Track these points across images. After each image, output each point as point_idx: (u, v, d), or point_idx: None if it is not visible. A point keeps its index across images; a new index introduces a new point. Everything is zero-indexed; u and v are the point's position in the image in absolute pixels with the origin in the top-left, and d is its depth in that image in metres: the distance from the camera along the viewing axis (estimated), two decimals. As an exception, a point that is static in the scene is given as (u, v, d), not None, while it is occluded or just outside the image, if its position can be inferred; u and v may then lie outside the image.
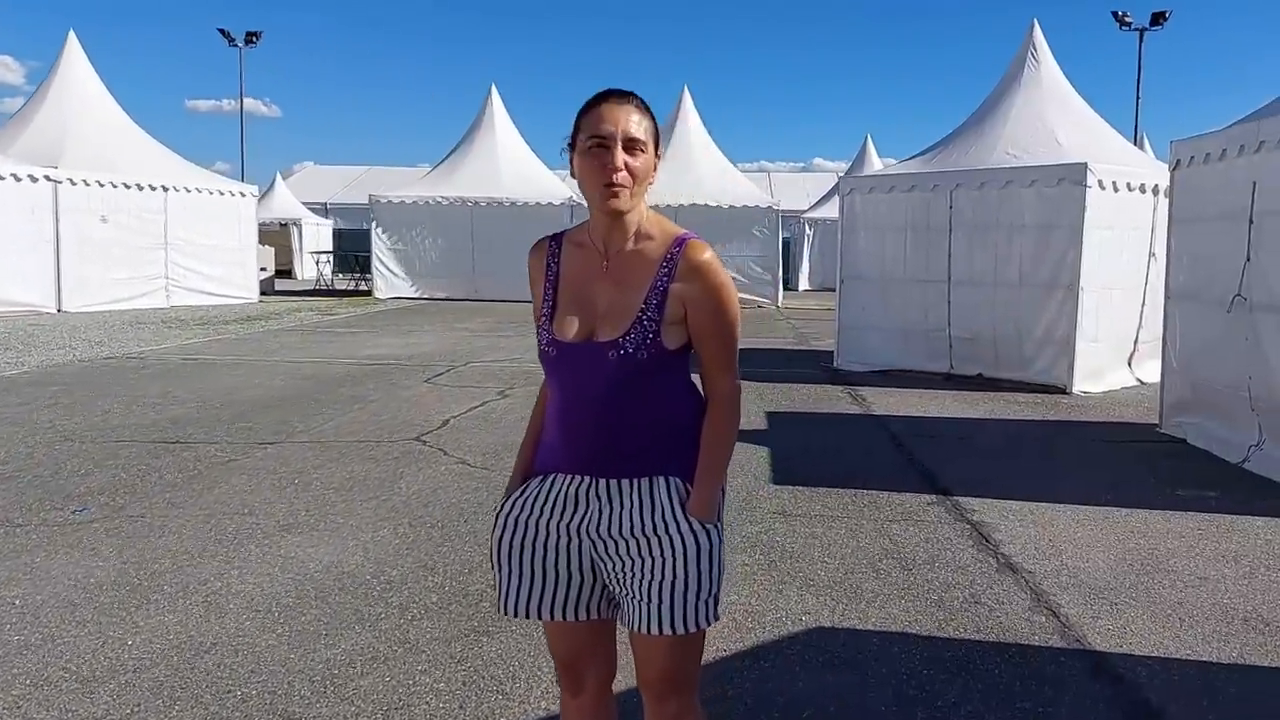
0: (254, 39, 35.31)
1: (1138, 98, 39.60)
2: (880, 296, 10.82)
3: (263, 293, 21.72)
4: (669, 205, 21.90)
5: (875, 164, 29.81)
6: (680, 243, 1.98)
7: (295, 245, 34.30)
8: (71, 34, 19.91)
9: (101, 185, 17.98)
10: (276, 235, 32.60)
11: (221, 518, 4.85)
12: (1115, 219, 9.40)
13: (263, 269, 22.83)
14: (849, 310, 11.17)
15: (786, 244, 30.44)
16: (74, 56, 19.87)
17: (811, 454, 6.65)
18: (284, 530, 4.66)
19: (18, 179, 16.64)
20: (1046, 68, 11.06)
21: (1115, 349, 9.74)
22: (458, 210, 22.39)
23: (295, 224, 34.63)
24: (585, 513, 2.02)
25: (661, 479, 1.99)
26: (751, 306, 21.59)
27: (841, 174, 25.79)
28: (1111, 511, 5.32)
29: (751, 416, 8.01)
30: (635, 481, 1.99)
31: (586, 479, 2.02)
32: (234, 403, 8.19)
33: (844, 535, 4.79)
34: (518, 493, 2.10)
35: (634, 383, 1.97)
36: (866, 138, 32.27)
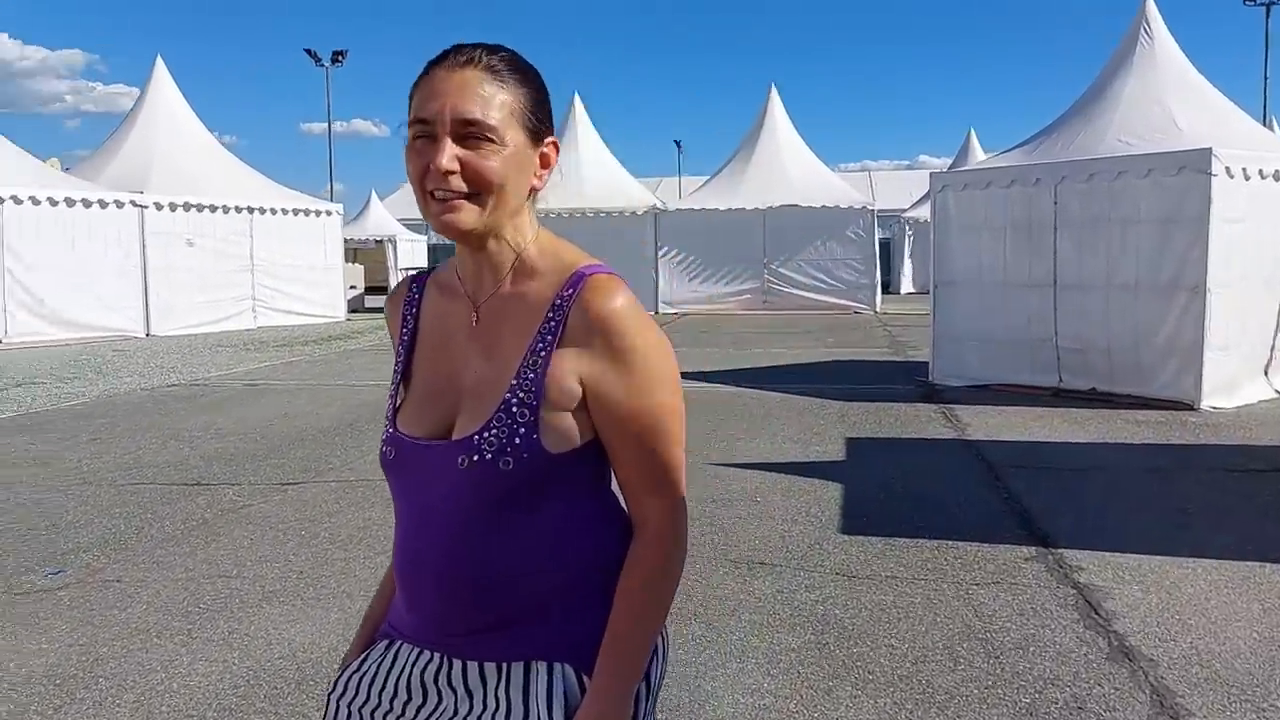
0: (340, 58, 35.66)
1: (1265, 78, 36.83)
2: (978, 303, 9.82)
3: (352, 310, 21.70)
4: (757, 208, 21.13)
5: (979, 158, 28.37)
6: (576, 281, 1.26)
7: (390, 262, 34.53)
8: (159, 60, 20.17)
9: (187, 209, 18.09)
10: (372, 253, 32.87)
11: (203, 582, 4.30)
12: (1247, 210, 8.25)
13: (352, 286, 22.87)
14: (944, 319, 10.19)
15: (886, 245, 29.29)
16: (162, 82, 20.11)
17: (891, 493, 5.80)
18: (265, 599, 4.08)
19: (104, 205, 16.83)
20: (1161, 44, 9.87)
21: (1249, 358, 8.57)
22: (540, 221, 21.95)
23: (390, 241, 34.86)
24: (435, 710, 1.30)
25: (543, 668, 1.26)
26: (847, 313, 20.59)
27: (956, 170, 24.56)
28: (1256, 569, 4.35)
29: (829, 444, 7.20)
30: (503, 669, 1.27)
31: (435, 657, 1.31)
32: (274, 435, 7.75)
33: (919, 605, 3.97)
34: (354, 665, 1.38)
35: (499, 508, 1.25)
36: (969, 131, 30.81)
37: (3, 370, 12.29)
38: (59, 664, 3.43)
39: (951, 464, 6.59)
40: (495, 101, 1.23)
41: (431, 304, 1.39)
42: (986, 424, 7.93)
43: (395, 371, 1.40)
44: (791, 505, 5.47)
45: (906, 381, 10.42)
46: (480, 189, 1.23)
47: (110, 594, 4.15)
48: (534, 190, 1.30)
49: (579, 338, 1.24)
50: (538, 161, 1.29)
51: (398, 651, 1.35)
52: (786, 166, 21.83)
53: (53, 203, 16.00)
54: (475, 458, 1.23)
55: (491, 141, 1.22)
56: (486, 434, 1.23)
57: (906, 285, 28.92)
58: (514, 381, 1.25)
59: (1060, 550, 4.64)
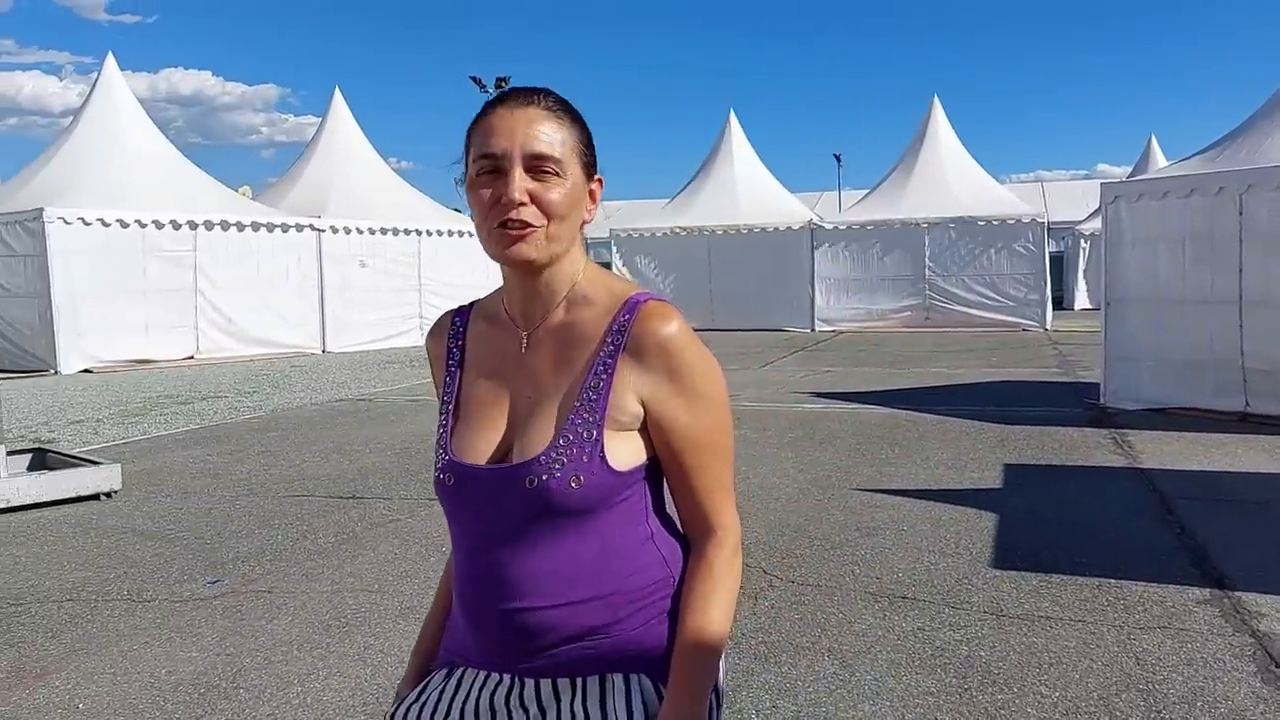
0: (502, 84, 36.57)
1: None
2: (1154, 321, 9.18)
3: (511, 328, 22.30)
4: (918, 222, 20.55)
5: (1160, 166, 26.75)
6: (632, 307, 1.33)
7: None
8: (337, 91, 21.33)
9: (360, 232, 19.01)
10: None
11: (346, 595, 4.44)
12: None
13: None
14: (1117, 337, 9.57)
15: (1059, 259, 27.96)
16: (340, 112, 21.25)
17: (1050, 524, 5.45)
18: (401, 615, 4.17)
19: (286, 229, 17.87)
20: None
21: None
22: (695, 240, 22.04)
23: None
24: None
25: (618, 679, 1.31)
26: (1014, 331, 19.71)
27: (1127, 179, 23.21)
28: None
29: (985, 470, 6.85)
30: (577, 684, 1.30)
31: (505, 679, 1.33)
32: (428, 450, 7.97)
33: (1074, 650, 3.69)
34: (411, 696, 1.40)
35: (567, 528, 1.28)
36: (1150, 138, 29.12)
37: (192, 385, 13.17)
38: (205, 673, 3.59)
39: (1119, 494, 6.15)
40: (558, 138, 1.31)
41: (478, 334, 1.45)
42: (1161, 451, 7.38)
43: (444, 401, 1.44)
44: (940, 536, 5.22)
45: (1075, 404, 9.84)
46: (547, 219, 1.29)
47: (260, 604, 4.33)
48: (584, 223, 1.37)
49: (639, 360, 1.30)
50: (589, 197, 1.37)
51: (460, 678, 1.38)
52: (949, 178, 21.14)
53: (239, 228, 17.11)
54: (544, 477, 1.27)
55: (557, 175, 1.30)
56: (554, 454, 1.28)
57: (1081, 301, 27.50)
58: (577, 403, 1.30)
59: (1238, 593, 4.24)
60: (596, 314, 1.34)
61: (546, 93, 1.34)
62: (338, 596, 4.42)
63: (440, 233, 20.32)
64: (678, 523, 1.39)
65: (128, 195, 15.92)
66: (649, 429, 1.32)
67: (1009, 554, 4.89)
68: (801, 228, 21.55)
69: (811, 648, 3.73)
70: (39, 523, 5.85)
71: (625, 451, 1.30)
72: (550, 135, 1.30)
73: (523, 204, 1.27)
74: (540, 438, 1.30)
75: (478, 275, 20.90)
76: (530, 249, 1.29)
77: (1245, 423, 8.33)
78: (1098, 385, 9.90)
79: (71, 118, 18.13)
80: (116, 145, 16.87)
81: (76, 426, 9.74)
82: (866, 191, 24.41)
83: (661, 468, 1.35)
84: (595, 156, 1.38)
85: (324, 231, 18.41)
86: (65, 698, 3.40)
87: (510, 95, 1.33)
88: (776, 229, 21.60)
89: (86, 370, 14.98)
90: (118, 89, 17.77)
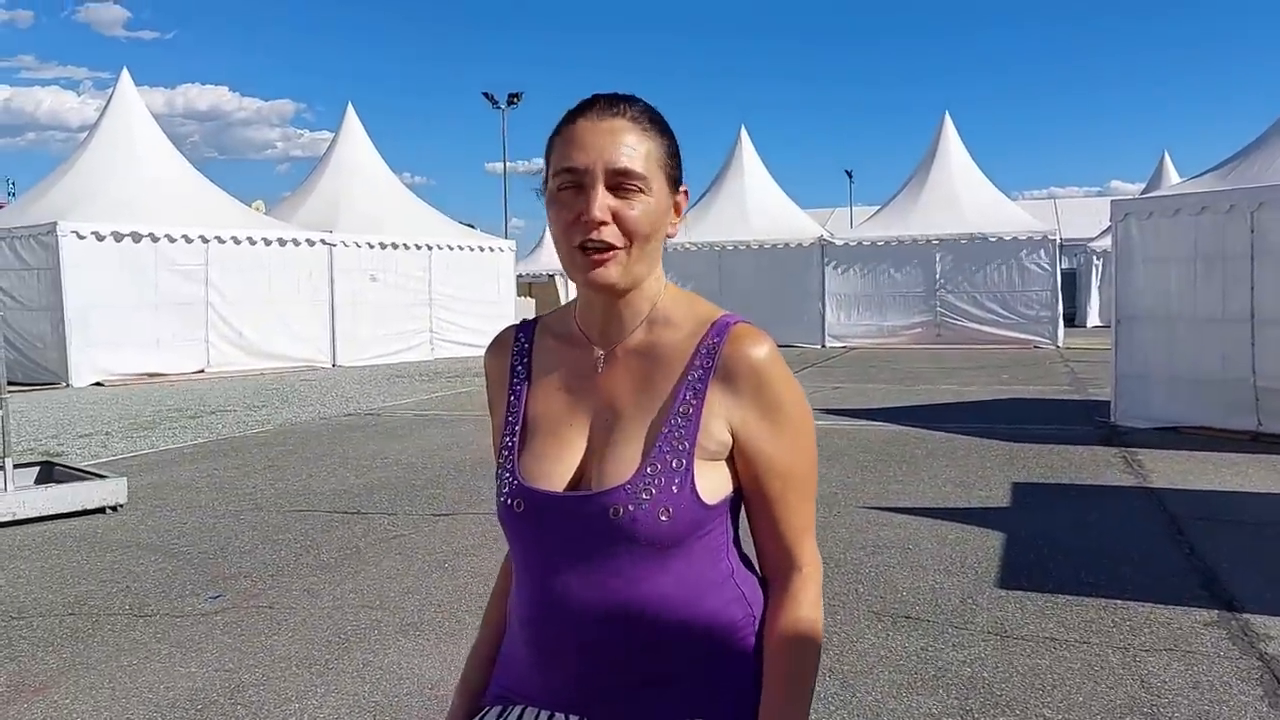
0: (515, 100, 37.06)
1: None
2: (1165, 339, 9.13)
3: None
4: (929, 238, 20.53)
5: (1174, 183, 26.68)
6: (722, 329, 1.26)
7: (562, 296, 35.47)
8: (350, 107, 21.45)
9: (371, 246, 19.09)
10: (545, 287, 33.83)
11: (348, 611, 4.42)
12: None
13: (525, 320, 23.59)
14: (1127, 355, 9.51)
15: (1072, 276, 27.90)
16: (353, 127, 21.38)
17: (1058, 544, 5.40)
18: (402, 632, 4.15)
19: (297, 244, 17.96)
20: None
21: None
22: (705, 255, 22.04)
23: (562, 275, 35.81)
24: None
25: None
26: (1026, 348, 19.64)
27: (1138, 196, 23.14)
28: None
29: (993, 489, 6.81)
30: None
31: None
32: (434, 465, 7.98)
33: (1079, 672, 3.64)
34: None
35: (649, 562, 1.21)
36: (1163, 155, 29.06)
37: (202, 398, 13.22)
38: (203, 689, 3.58)
39: (1128, 514, 6.09)
40: (642, 151, 1.22)
41: (546, 352, 1.35)
42: (1171, 470, 7.32)
43: (508, 422, 1.34)
44: (945, 555, 5.18)
45: (1085, 422, 9.78)
46: (629, 239, 1.22)
47: (261, 620, 4.32)
48: (668, 237, 1.29)
49: (729, 386, 1.23)
50: (673, 210, 1.29)
51: (520, 717, 1.30)
52: (961, 195, 21.13)
53: (251, 242, 17.20)
54: (630, 508, 1.19)
55: (641, 192, 1.22)
56: (640, 483, 1.20)
57: (1093, 318, 27.39)
58: (665, 429, 1.22)
59: (1246, 615, 4.18)
60: (681, 336, 1.26)
61: (632, 101, 1.26)
62: (339, 613, 4.41)
63: (451, 247, 20.38)
64: (754, 560, 1.33)
65: (140, 209, 16.03)
66: (735, 459, 1.25)
67: (1015, 574, 4.85)
68: (812, 244, 21.55)
69: (813, 668, 3.69)
70: (44, 536, 5.86)
71: (714, 482, 1.23)
72: (634, 149, 1.21)
73: (604, 223, 1.20)
74: (624, 465, 1.22)
75: (488, 290, 20.97)
76: (612, 273, 1.21)
77: (1257, 442, 8.26)
78: (1108, 403, 9.85)
79: (87, 133, 18.29)
80: (130, 160, 16.99)
81: (86, 439, 9.77)
82: (878, 208, 24.40)
83: (743, 500, 1.28)
84: (681, 167, 1.30)
85: (335, 246, 18.50)
86: (63, 713, 3.39)
87: (594, 104, 1.25)
88: (787, 245, 21.61)
89: (98, 383, 15.06)
90: (132, 104, 17.92)
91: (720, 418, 1.22)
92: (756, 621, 1.28)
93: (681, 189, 1.29)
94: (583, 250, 1.20)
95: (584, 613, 1.22)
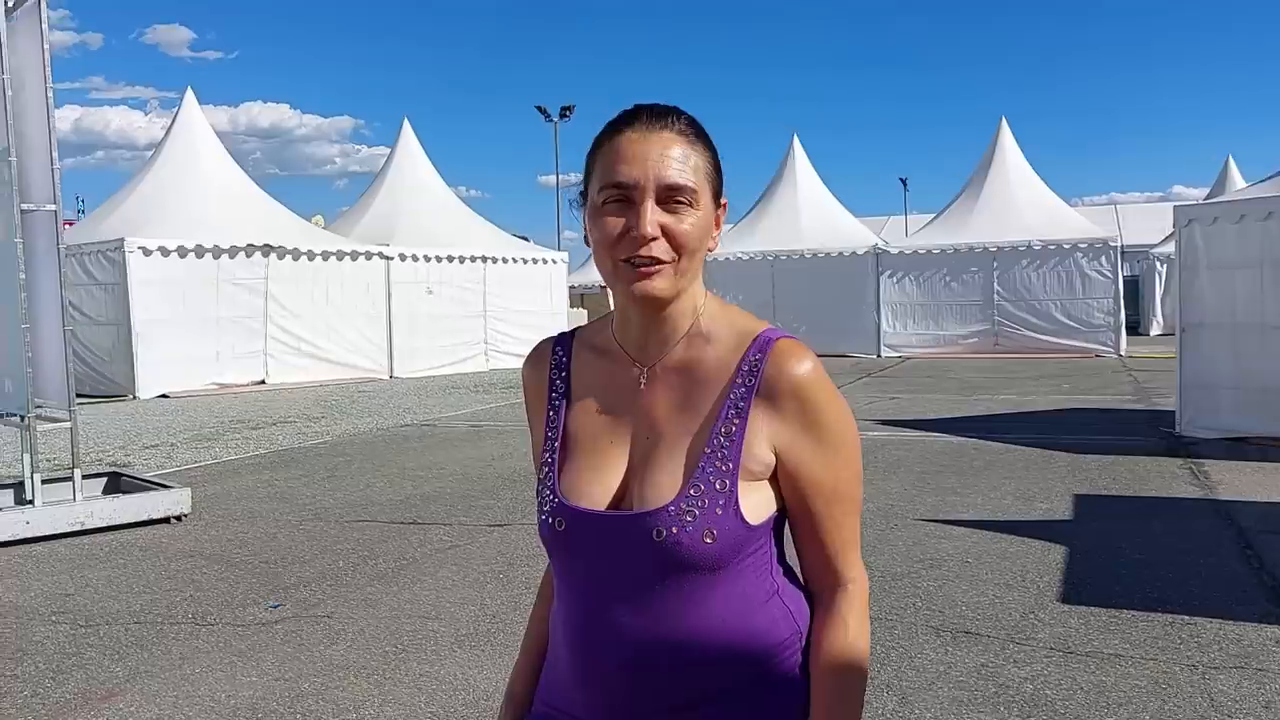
0: (567, 113, 37.40)
1: None
2: (1232, 347, 8.88)
3: (575, 354, 22.42)
4: (986, 246, 20.25)
5: (1238, 187, 26.02)
6: (764, 345, 1.23)
7: (612, 307, 35.49)
8: (406, 122, 21.75)
9: (427, 260, 19.29)
10: (596, 298, 33.93)
11: (403, 622, 4.46)
12: None
13: (577, 330, 23.69)
14: (1193, 364, 9.26)
15: (1134, 283, 27.33)
16: (409, 142, 21.66)
17: (1123, 558, 5.28)
18: (458, 642, 4.18)
19: (355, 257, 18.22)
20: None
21: None
22: (758, 265, 21.96)
23: (615, 285, 35.89)
24: None
25: None
26: (1087, 357, 19.26)
27: (1202, 202, 22.60)
28: None
29: (1055, 501, 6.67)
30: None
31: None
32: (489, 475, 8.04)
33: (1144, 689, 3.55)
34: None
35: (693, 582, 1.19)
36: (1227, 158, 28.34)
37: (264, 410, 13.45)
38: (263, 698, 3.63)
39: (1195, 527, 5.93)
40: (690, 165, 1.21)
41: (585, 367, 1.34)
42: (1239, 482, 7.12)
43: (547, 438, 1.33)
44: (1006, 569, 5.09)
45: (1149, 433, 9.55)
46: (679, 253, 1.21)
47: (319, 630, 4.38)
48: (709, 250, 1.28)
49: (773, 403, 1.21)
50: (715, 224, 1.27)
51: None
52: (1018, 201, 20.80)
53: (310, 256, 17.49)
54: (674, 529, 1.17)
55: (690, 206, 1.21)
56: (684, 504, 1.18)
57: (1157, 326, 26.78)
58: (708, 449, 1.20)
59: (1323, 634, 4.05)
60: (722, 351, 1.24)
61: (678, 114, 1.24)
62: (395, 623, 4.45)
63: (505, 260, 20.54)
64: (799, 574, 1.31)
65: (204, 225, 16.38)
66: (779, 477, 1.22)
67: (1078, 588, 4.75)
68: (867, 252, 21.36)
69: (870, 682, 3.63)
70: (111, 545, 6.00)
71: (758, 503, 1.21)
72: (684, 163, 1.20)
73: (654, 238, 1.18)
74: (666, 485, 1.20)
75: (542, 302, 21.08)
76: (659, 284, 1.20)
77: (1331, 453, 8.00)
78: (1173, 413, 9.60)
79: (153, 151, 18.76)
80: (194, 177, 17.39)
81: (152, 450, 10.00)
82: (933, 215, 24.13)
83: (787, 518, 1.27)
84: (723, 179, 1.28)
85: (392, 259, 18.73)
86: None
87: (641, 116, 1.22)
88: (841, 254, 21.44)
89: (164, 395, 15.40)
90: (196, 122, 18.35)
91: (763, 437, 1.20)
92: (804, 638, 1.26)
93: (722, 202, 1.28)
94: (629, 264, 1.19)
95: (627, 634, 1.21)
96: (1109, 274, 19.83)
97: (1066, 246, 19.92)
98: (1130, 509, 6.44)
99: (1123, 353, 19.59)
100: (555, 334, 1.42)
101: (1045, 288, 20.10)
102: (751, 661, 1.22)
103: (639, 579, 1.20)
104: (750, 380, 1.21)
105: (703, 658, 1.20)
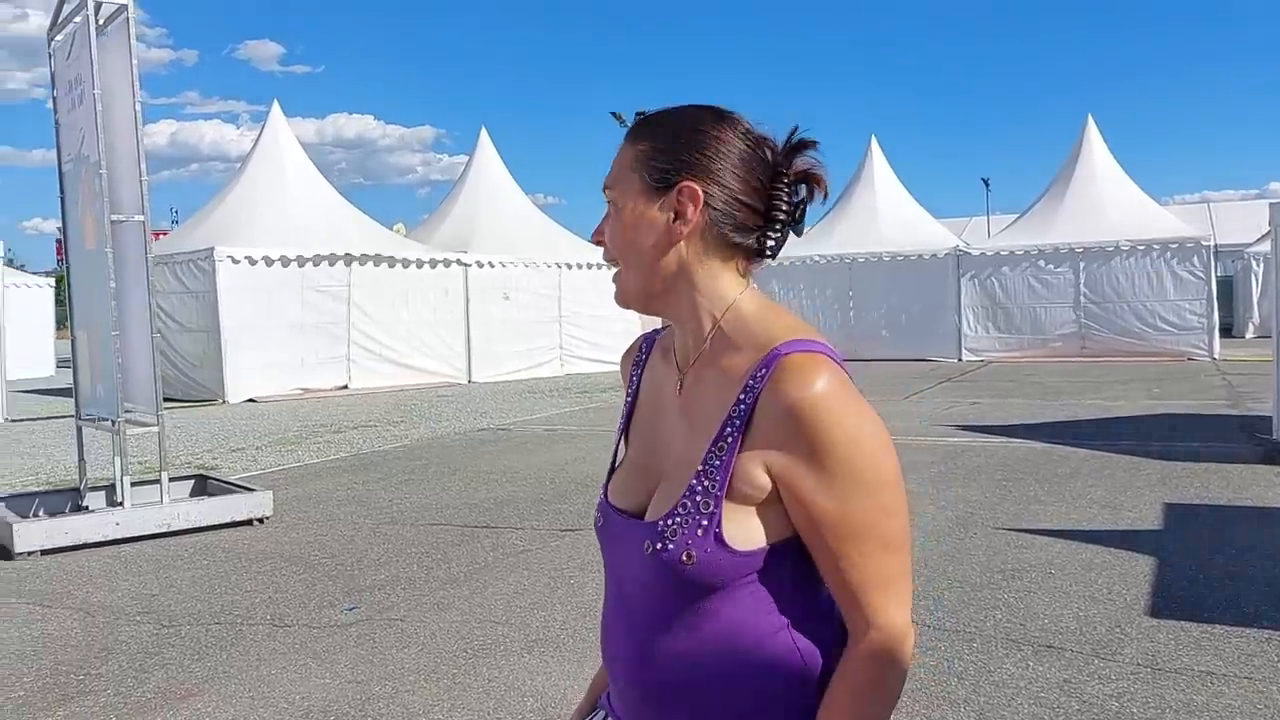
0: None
1: None
2: (1335, 350, 8.48)
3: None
4: (1071, 246, 19.71)
5: (1344, 182, 24.87)
6: (770, 361, 1.11)
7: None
8: (484, 131, 22.02)
9: (504, 266, 19.50)
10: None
11: (474, 626, 4.49)
12: None
13: (652, 335, 23.75)
14: (1293, 368, 8.88)
15: (1227, 283, 26.36)
16: (486, 151, 21.93)
17: (1216, 570, 5.06)
18: (528, 648, 4.19)
19: (434, 264, 18.50)
20: None
21: None
22: (835, 268, 21.70)
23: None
24: None
25: None
26: (1178, 360, 18.61)
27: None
28: None
29: (1144, 510, 6.44)
30: None
31: None
32: (562, 480, 8.07)
33: (1238, 709, 3.39)
34: None
35: (686, 602, 1.14)
36: (1331, 153, 27.07)
37: (345, 414, 13.73)
38: (335, 700, 3.68)
39: (1296, 539, 5.66)
40: (615, 168, 1.20)
41: (653, 367, 1.32)
42: (1345, 492, 6.78)
43: (618, 431, 1.35)
44: (1091, 580, 4.92)
45: (1244, 439, 9.17)
46: (617, 258, 1.21)
47: (392, 633, 4.42)
48: (673, 244, 1.17)
49: (769, 426, 1.09)
50: (668, 213, 1.17)
51: None
52: (1105, 200, 20.19)
53: (390, 263, 17.81)
54: (659, 545, 1.13)
55: (614, 205, 1.21)
56: (671, 522, 1.13)
57: (1253, 328, 25.75)
58: (700, 467, 1.13)
59: None
60: (741, 361, 1.14)
61: (643, 114, 1.22)
62: (466, 627, 4.48)
63: (580, 265, 20.65)
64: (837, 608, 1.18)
65: (289, 234, 16.81)
66: (785, 506, 1.11)
67: (1167, 601, 4.56)
68: (947, 254, 20.96)
69: (947, 698, 3.55)
70: (196, 546, 6.16)
71: (748, 529, 1.11)
72: (616, 162, 1.21)
73: (598, 242, 1.23)
74: (666, 499, 1.16)
75: (615, 307, 21.04)
76: (619, 289, 1.23)
77: None
78: (1269, 419, 9.19)
79: (240, 162, 19.32)
80: (280, 187, 17.86)
81: (238, 453, 10.27)
82: (1016, 216, 23.58)
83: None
84: (680, 160, 1.16)
85: (470, 266, 18.97)
86: None
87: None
88: (920, 256, 21.07)
89: (251, 400, 15.82)
90: (282, 134, 18.84)
91: (757, 459, 1.10)
92: (814, 684, 1.14)
93: (680, 185, 1.15)
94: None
95: (633, 646, 1.19)
96: (1201, 274, 19.13)
97: (1156, 247, 19.28)
98: (1222, 519, 6.18)
99: (1216, 356, 18.88)
100: (649, 331, 1.40)
101: (1134, 289, 19.47)
102: (747, 698, 1.13)
103: (640, 586, 1.18)
104: (749, 399, 1.11)
105: (693, 686, 1.14)
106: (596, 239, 1.23)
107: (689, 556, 1.10)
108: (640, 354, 1.36)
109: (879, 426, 1.11)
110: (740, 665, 1.13)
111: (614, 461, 1.34)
